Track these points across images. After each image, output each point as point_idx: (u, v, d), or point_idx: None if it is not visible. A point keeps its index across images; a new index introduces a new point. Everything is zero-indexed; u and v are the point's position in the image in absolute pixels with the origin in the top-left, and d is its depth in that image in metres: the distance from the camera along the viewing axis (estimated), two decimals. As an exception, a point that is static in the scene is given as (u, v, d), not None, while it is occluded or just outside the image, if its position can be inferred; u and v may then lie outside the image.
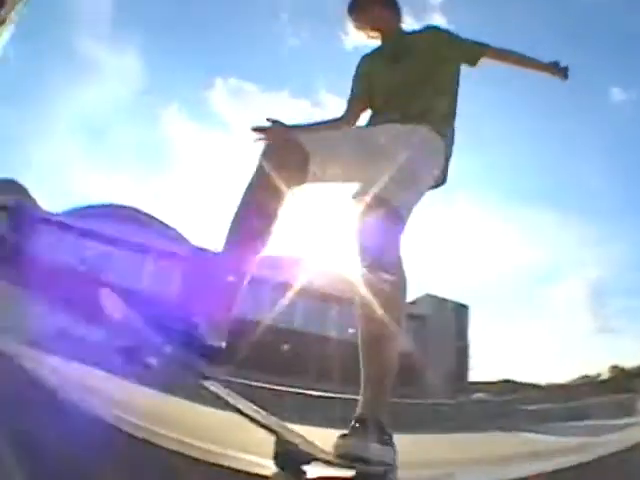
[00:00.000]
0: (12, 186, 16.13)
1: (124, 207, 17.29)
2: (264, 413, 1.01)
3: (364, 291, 1.07)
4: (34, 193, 16.90)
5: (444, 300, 17.70)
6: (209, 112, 30.06)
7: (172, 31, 26.60)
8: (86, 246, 14.60)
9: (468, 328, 18.09)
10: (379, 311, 1.04)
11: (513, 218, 26.80)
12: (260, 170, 1.17)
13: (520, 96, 16.86)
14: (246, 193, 1.18)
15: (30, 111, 26.61)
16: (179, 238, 16.93)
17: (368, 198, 1.10)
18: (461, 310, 17.98)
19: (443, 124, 1.36)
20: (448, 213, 18.20)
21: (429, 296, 16.97)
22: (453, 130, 1.42)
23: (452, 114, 1.43)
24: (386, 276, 1.05)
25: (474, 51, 1.49)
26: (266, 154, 1.20)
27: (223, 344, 1.08)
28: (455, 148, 1.43)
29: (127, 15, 23.39)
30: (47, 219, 15.65)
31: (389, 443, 1.00)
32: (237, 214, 1.17)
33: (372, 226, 1.08)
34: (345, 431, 1.00)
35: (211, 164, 33.39)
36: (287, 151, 1.19)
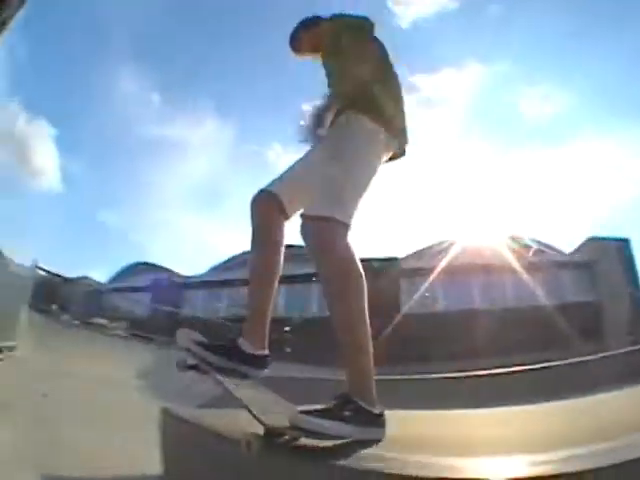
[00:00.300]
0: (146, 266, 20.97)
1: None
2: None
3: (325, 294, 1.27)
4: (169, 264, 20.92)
5: (605, 240, 15.99)
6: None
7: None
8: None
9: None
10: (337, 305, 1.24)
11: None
12: (256, 230, 1.45)
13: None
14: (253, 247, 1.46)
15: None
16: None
17: (305, 218, 1.29)
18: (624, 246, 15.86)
19: (361, 99, 1.41)
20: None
21: (591, 239, 16.24)
22: (385, 94, 1.46)
23: (371, 83, 1.42)
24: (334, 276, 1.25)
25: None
26: (252, 218, 1.46)
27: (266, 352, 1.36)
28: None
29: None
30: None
31: (358, 421, 1.10)
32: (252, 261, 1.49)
33: (313, 240, 1.27)
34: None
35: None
36: (264, 204, 1.44)
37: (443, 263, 14.20)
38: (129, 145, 30.33)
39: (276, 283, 1.44)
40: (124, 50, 25.92)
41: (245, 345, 1.31)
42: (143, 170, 32.18)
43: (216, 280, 19.17)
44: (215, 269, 20.70)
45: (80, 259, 30.66)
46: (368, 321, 1.22)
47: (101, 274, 30.96)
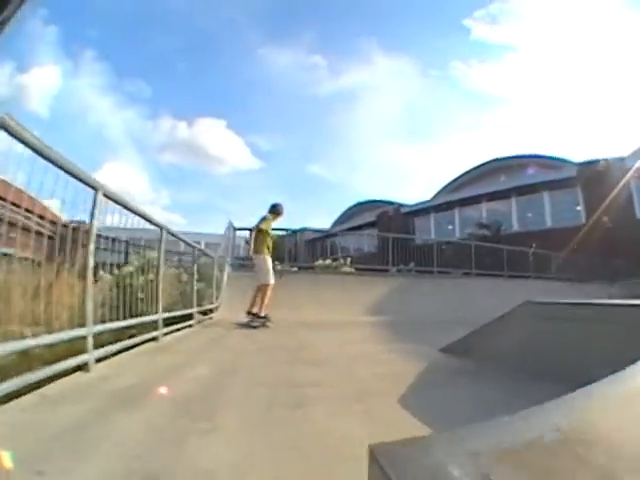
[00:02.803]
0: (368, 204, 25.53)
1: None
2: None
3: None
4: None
5: None
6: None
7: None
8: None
9: None
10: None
11: None
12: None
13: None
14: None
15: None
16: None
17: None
18: None
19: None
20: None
21: None
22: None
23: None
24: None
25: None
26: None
27: None
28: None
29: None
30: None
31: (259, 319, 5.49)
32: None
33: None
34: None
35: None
36: None
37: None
38: (311, 109, 35.91)
39: None
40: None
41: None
42: (334, 122, 36.64)
43: (442, 203, 20.75)
44: (440, 193, 22.77)
45: (304, 211, 37.16)
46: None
47: (325, 222, 35.52)
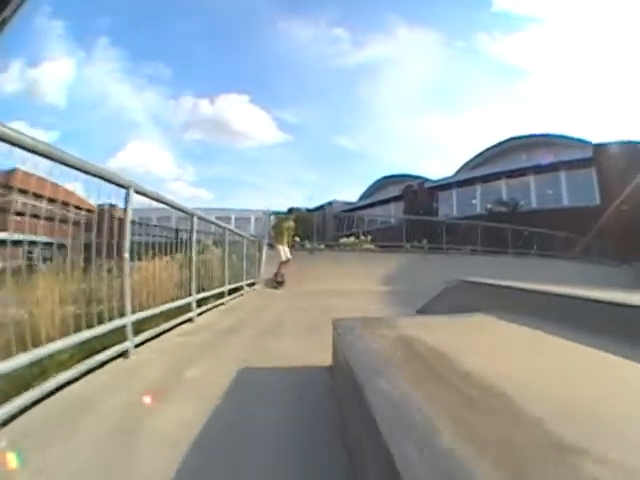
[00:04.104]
0: (394, 178, 26.73)
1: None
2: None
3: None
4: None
5: None
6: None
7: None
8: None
9: None
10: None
11: None
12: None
13: None
14: None
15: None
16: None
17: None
18: None
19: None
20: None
21: None
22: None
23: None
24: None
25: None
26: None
27: None
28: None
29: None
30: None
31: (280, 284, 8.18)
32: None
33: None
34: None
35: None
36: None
37: None
38: (335, 81, 37.58)
39: None
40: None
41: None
42: (359, 95, 38.99)
43: (464, 179, 21.70)
44: (463, 168, 23.64)
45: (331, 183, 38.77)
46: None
47: (352, 194, 37.16)
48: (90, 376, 2.03)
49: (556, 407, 0.91)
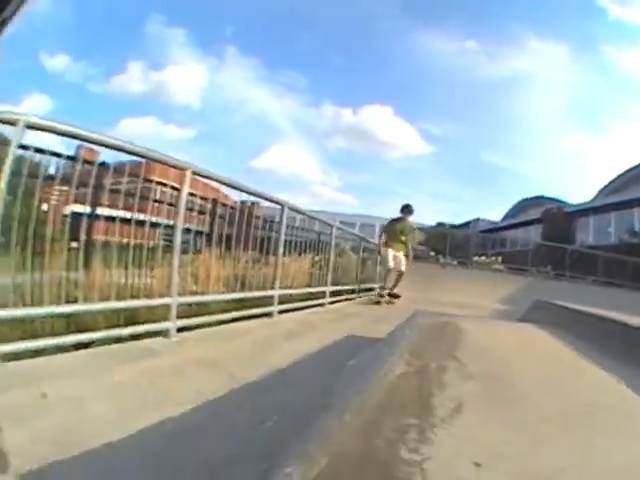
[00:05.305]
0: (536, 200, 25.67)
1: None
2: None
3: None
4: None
5: None
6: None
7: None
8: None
9: None
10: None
11: None
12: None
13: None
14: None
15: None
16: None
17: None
18: None
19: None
20: None
21: None
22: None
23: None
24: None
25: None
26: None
27: None
28: None
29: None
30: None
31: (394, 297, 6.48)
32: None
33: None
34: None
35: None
36: None
37: None
38: (473, 94, 39.15)
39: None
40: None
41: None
42: (502, 109, 39.34)
43: (602, 204, 20.03)
44: (601, 192, 22.42)
45: (476, 198, 40.61)
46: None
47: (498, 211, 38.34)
48: (246, 322, 3.19)
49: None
